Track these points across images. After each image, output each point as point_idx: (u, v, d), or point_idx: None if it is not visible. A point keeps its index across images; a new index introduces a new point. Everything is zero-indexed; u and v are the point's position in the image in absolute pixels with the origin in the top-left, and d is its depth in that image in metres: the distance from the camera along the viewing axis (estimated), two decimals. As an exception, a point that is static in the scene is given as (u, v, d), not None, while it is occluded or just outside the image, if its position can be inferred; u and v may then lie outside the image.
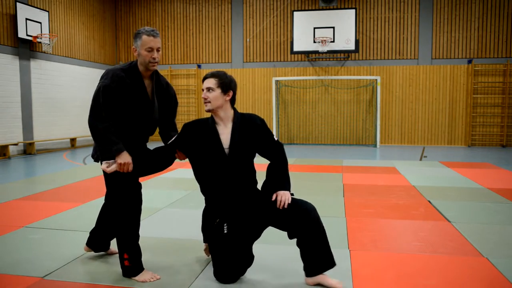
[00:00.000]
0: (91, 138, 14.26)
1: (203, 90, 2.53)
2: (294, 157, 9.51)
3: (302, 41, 12.37)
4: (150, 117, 2.69)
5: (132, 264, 2.63)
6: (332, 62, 13.04)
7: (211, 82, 2.49)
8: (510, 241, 3.43)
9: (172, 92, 2.82)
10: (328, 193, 5.37)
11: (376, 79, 12.25)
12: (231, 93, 2.53)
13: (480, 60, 12.26)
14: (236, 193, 2.54)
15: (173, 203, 4.87)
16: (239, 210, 2.54)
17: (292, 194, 2.53)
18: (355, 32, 12.08)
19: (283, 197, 2.46)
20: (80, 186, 5.91)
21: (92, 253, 3.12)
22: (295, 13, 12.44)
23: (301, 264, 2.59)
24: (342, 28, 12.11)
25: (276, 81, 12.88)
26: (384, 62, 12.76)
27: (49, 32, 10.92)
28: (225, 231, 2.50)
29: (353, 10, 12.09)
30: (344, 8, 12.33)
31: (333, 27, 12.15)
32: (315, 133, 13.24)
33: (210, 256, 2.98)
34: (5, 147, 9.56)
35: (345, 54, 12.79)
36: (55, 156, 10.04)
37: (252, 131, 2.56)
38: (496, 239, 3.47)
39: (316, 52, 12.33)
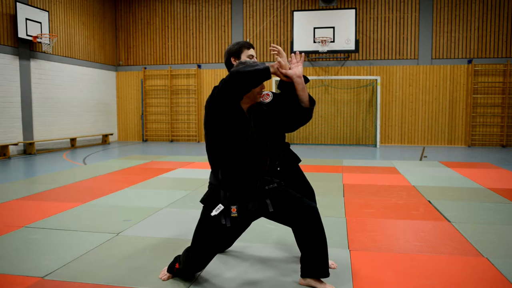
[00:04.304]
0: (91, 138, 14.21)
1: (250, 56, 2.82)
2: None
3: (302, 41, 12.36)
4: None
5: (175, 270, 2.63)
6: (332, 62, 13.04)
7: (253, 52, 2.87)
8: (510, 241, 3.43)
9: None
10: (328, 193, 5.36)
11: (376, 79, 12.25)
12: None
13: (480, 60, 12.26)
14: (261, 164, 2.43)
15: (173, 203, 4.86)
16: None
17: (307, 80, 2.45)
18: (355, 32, 12.07)
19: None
20: (80, 186, 5.91)
21: (92, 253, 3.12)
22: (295, 13, 12.44)
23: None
24: (342, 28, 12.11)
25: (277, 81, 12.88)
26: (384, 62, 12.76)
27: (49, 32, 10.92)
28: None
29: (353, 10, 12.09)
30: (344, 8, 12.33)
31: (333, 27, 12.15)
32: (315, 133, 13.24)
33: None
34: (5, 147, 9.55)
35: (345, 54, 12.78)
36: (55, 156, 10.03)
37: None
38: (496, 239, 3.47)
39: (316, 52, 12.33)
